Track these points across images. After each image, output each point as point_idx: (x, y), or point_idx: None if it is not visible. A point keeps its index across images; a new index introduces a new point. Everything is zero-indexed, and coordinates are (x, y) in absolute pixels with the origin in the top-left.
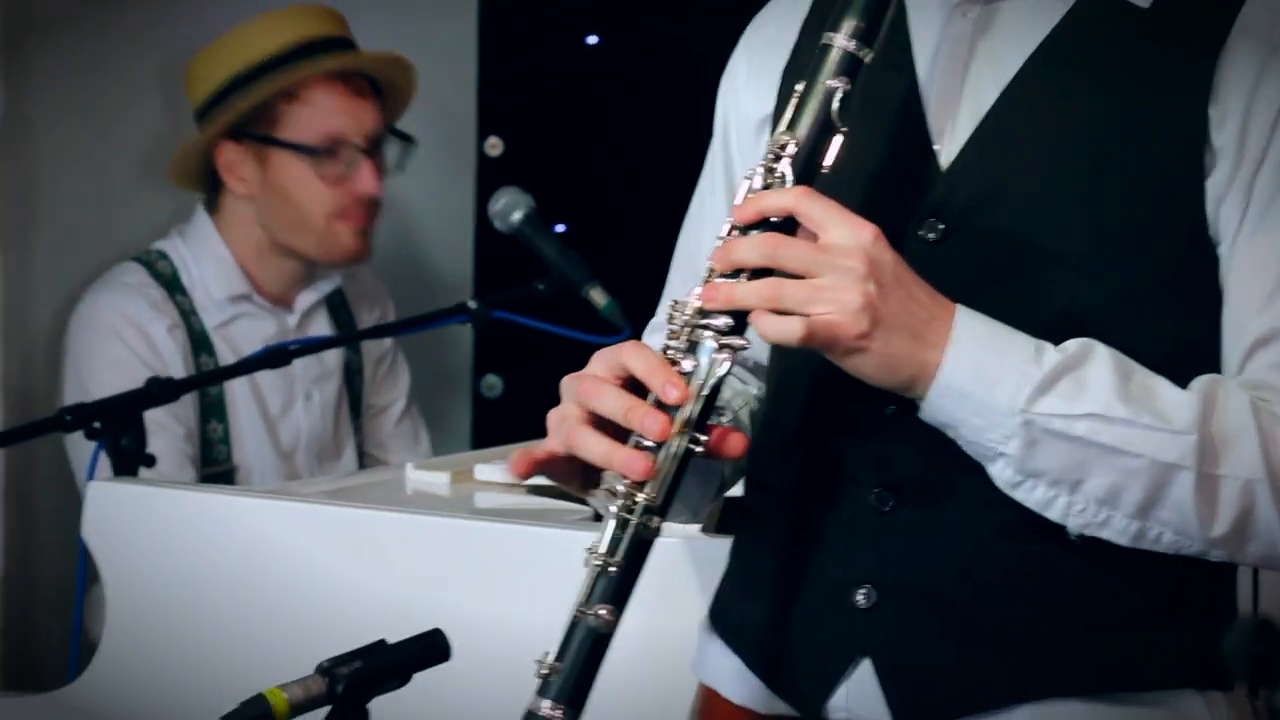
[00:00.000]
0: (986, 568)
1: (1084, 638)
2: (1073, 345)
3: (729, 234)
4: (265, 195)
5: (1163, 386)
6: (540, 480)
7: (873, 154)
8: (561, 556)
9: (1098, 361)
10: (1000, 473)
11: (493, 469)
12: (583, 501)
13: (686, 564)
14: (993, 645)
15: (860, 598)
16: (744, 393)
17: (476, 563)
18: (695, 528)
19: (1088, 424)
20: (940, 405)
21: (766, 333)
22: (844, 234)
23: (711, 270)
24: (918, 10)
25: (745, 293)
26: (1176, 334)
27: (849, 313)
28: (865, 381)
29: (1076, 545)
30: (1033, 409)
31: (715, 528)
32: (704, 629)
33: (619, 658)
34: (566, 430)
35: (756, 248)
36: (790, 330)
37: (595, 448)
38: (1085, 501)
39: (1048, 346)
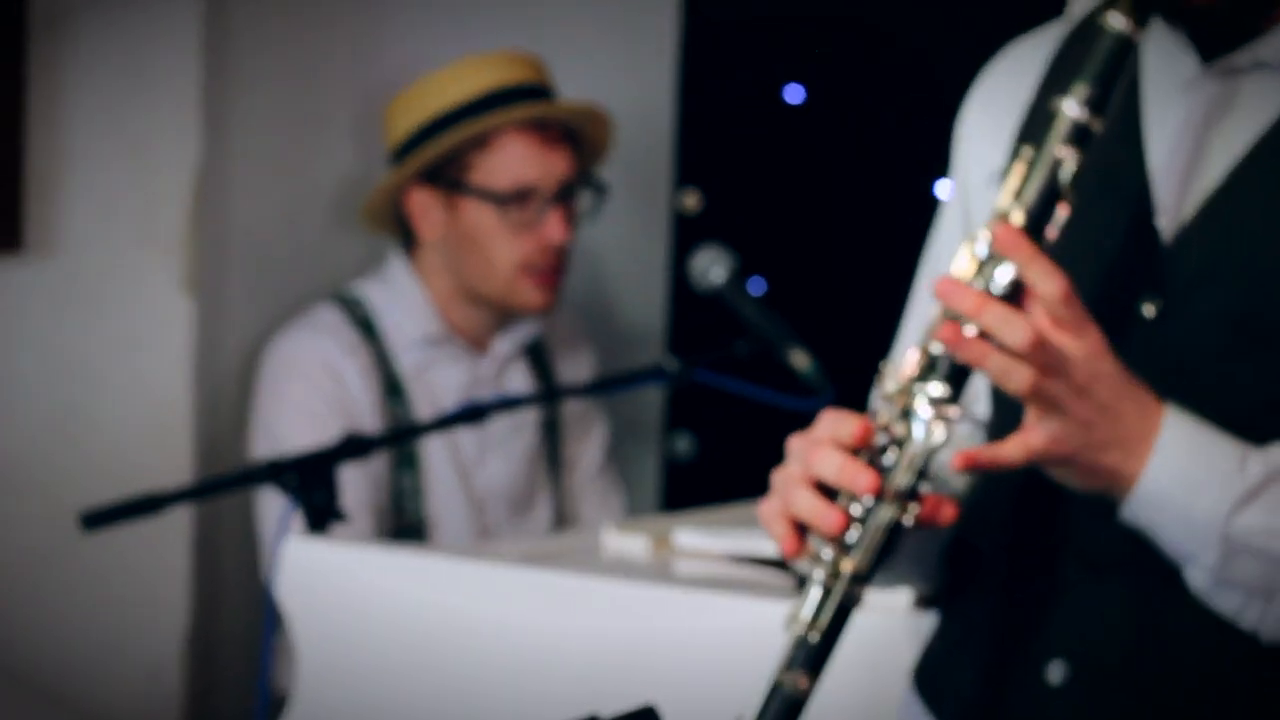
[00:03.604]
0: (1182, 651)
1: None
2: (1278, 452)
3: (977, 256)
4: (453, 242)
5: None
6: (743, 549)
7: (1099, 226)
8: (765, 627)
9: None
10: (1195, 576)
11: (692, 534)
12: (784, 567)
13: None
14: None
15: (1053, 671)
16: None
17: (678, 632)
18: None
19: None
20: (1139, 512)
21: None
22: (1081, 348)
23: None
24: (1151, 81)
25: (1008, 368)
26: None
27: (1066, 429)
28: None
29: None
30: (1234, 522)
31: None
32: (909, 688)
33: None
34: (786, 488)
35: (1020, 332)
36: (1028, 444)
37: (802, 503)
38: None
39: (1252, 454)
